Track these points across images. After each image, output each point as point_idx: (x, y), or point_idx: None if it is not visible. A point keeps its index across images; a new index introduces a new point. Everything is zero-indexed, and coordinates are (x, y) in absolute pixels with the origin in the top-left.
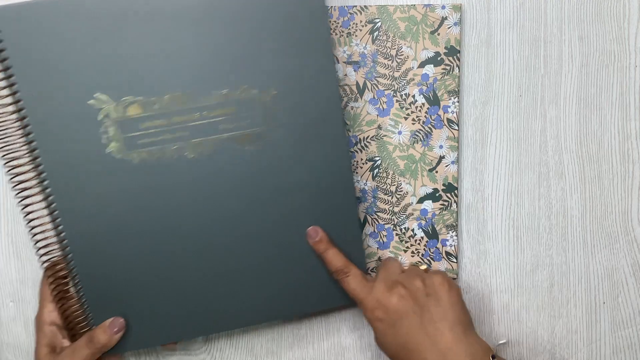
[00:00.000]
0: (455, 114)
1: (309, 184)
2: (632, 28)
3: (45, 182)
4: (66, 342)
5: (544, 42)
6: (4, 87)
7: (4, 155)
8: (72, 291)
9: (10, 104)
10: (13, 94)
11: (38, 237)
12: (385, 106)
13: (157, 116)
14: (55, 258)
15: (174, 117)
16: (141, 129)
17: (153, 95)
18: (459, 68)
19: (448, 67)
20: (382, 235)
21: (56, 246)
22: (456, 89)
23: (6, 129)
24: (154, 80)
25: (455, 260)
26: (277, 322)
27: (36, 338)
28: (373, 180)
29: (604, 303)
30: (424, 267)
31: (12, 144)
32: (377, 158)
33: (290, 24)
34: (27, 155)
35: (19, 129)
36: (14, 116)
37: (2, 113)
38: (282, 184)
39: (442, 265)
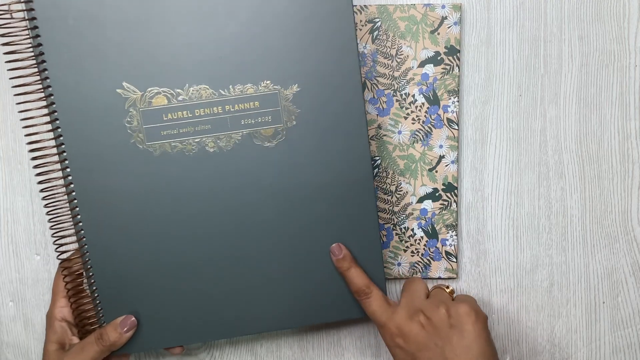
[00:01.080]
0: (455, 114)
1: (329, 183)
2: (632, 28)
3: (67, 170)
4: (76, 340)
5: (544, 42)
6: (35, 73)
7: (29, 143)
8: (86, 287)
9: (38, 90)
10: (44, 79)
11: (56, 227)
12: (385, 106)
13: (180, 108)
14: (71, 252)
15: (197, 110)
16: (164, 120)
17: (178, 87)
18: (458, 68)
19: (448, 67)
20: (382, 234)
21: (73, 238)
22: (456, 89)
23: (32, 115)
24: (180, 71)
25: (455, 260)
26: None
27: (46, 334)
28: (373, 180)
29: (604, 303)
30: (449, 290)
31: (37, 132)
32: (377, 158)
33: (316, 20)
34: (50, 140)
35: (46, 115)
36: (42, 102)
37: (29, 93)
38: (302, 182)
39: (441, 264)
